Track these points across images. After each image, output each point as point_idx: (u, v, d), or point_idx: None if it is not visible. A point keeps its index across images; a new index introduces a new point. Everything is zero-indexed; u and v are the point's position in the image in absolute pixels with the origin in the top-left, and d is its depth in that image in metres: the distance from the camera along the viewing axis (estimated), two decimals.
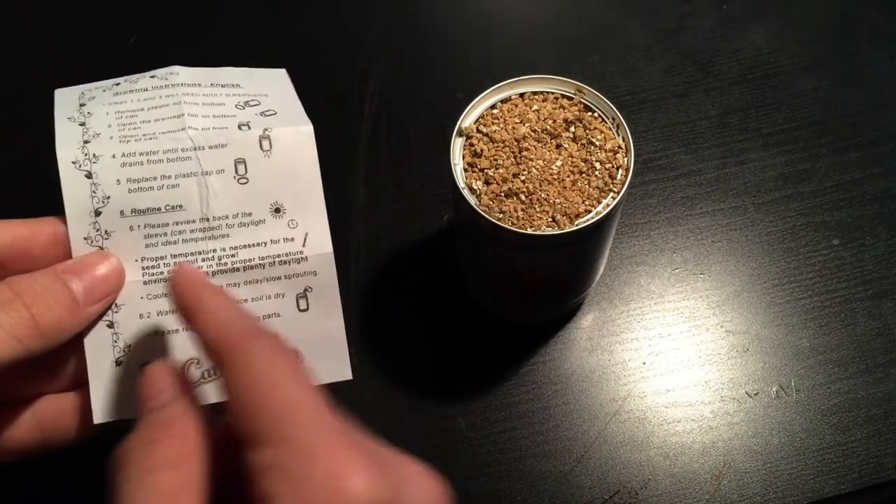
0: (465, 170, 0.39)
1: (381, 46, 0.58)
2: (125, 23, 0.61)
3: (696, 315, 0.48)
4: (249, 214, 0.33)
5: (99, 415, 0.31)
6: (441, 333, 0.48)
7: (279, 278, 0.33)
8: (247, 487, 0.25)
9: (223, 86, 0.35)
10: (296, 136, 0.33)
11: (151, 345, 0.31)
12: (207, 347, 0.27)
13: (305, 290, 0.33)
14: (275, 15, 0.61)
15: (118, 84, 0.35)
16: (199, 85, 0.34)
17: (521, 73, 0.41)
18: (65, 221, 0.31)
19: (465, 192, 0.38)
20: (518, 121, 0.40)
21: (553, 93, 0.41)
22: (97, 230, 0.31)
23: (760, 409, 0.45)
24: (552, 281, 0.43)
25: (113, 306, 0.31)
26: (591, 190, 0.38)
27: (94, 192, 0.31)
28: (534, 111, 0.40)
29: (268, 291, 0.33)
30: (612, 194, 0.38)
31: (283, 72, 0.37)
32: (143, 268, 0.32)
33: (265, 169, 0.32)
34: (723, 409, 0.45)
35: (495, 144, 0.39)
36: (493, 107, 0.41)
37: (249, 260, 0.32)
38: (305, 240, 0.33)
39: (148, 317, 0.32)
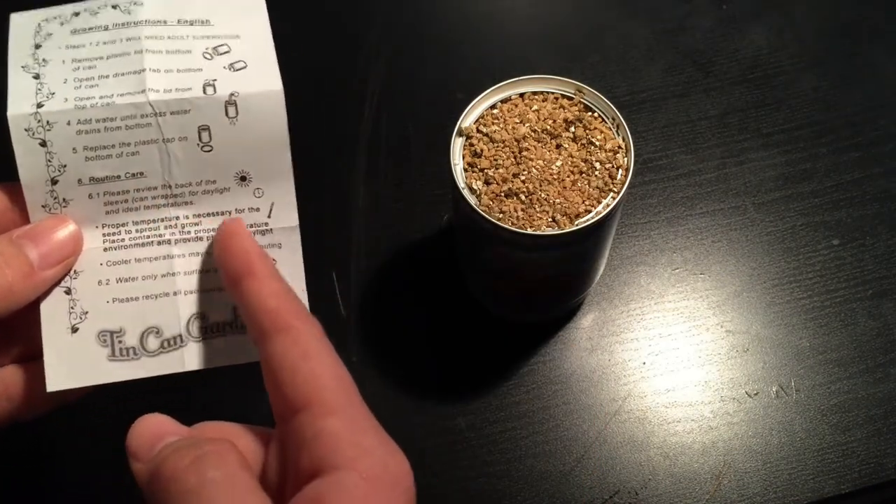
0: (465, 170, 0.39)
1: (381, 46, 0.58)
2: None
3: (696, 315, 0.48)
4: (214, 182, 0.31)
5: (53, 382, 0.30)
6: (441, 333, 0.48)
7: None
8: (294, 452, 0.26)
9: (191, 23, 0.32)
10: (264, 101, 0.31)
11: (109, 312, 0.30)
12: (260, 314, 0.28)
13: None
14: (274, 15, 0.61)
15: (77, 14, 0.32)
16: (165, 23, 0.32)
17: (521, 73, 0.41)
18: (21, 188, 0.30)
19: (465, 192, 0.38)
20: (518, 121, 0.40)
21: (553, 93, 0.41)
22: (55, 198, 0.30)
23: (760, 409, 0.45)
24: (552, 281, 0.43)
25: (71, 272, 0.30)
26: (591, 190, 0.38)
27: (49, 160, 0.30)
28: (534, 111, 0.40)
29: None
30: (612, 194, 0.38)
31: (260, 4, 0.34)
32: (103, 234, 0.31)
33: (231, 136, 0.31)
34: (723, 409, 0.45)
35: (495, 144, 0.39)
36: (493, 107, 0.41)
37: (213, 230, 0.31)
38: (271, 211, 0.32)
39: (107, 284, 0.30)
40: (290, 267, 0.32)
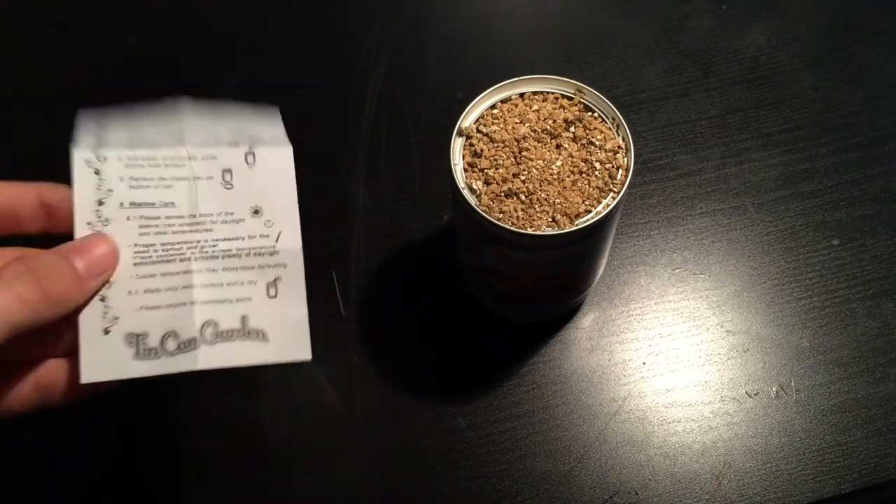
0: (465, 170, 0.39)
1: (381, 46, 0.58)
2: (125, 23, 0.61)
3: (696, 315, 0.48)
4: (232, 214, 0.37)
5: (86, 375, 0.34)
6: (441, 333, 0.48)
7: (253, 268, 0.37)
8: None
9: (221, 115, 0.39)
10: (277, 156, 0.38)
11: (136, 318, 0.35)
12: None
13: (275, 279, 0.37)
14: (275, 15, 0.61)
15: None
16: (201, 115, 0.39)
17: (521, 73, 0.41)
18: (52, 189, 0.36)
19: (465, 192, 0.39)
20: (518, 121, 0.40)
21: (553, 93, 0.41)
22: (99, 218, 0.35)
23: (760, 409, 0.45)
24: (552, 281, 0.43)
25: (105, 283, 0.35)
26: (591, 190, 0.38)
27: (99, 185, 0.36)
28: (534, 111, 0.40)
29: (242, 278, 0.36)
30: (612, 194, 0.38)
31: (275, 109, 0.41)
32: (134, 252, 0.36)
33: (248, 178, 0.37)
34: (723, 409, 0.45)
35: (495, 144, 0.39)
36: (493, 107, 0.41)
37: (228, 250, 0.36)
38: (279, 237, 0.37)
39: (136, 294, 0.35)
40: (294, 282, 0.37)
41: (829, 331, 0.47)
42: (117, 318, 0.35)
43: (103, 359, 0.34)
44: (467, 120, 0.40)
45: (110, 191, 0.36)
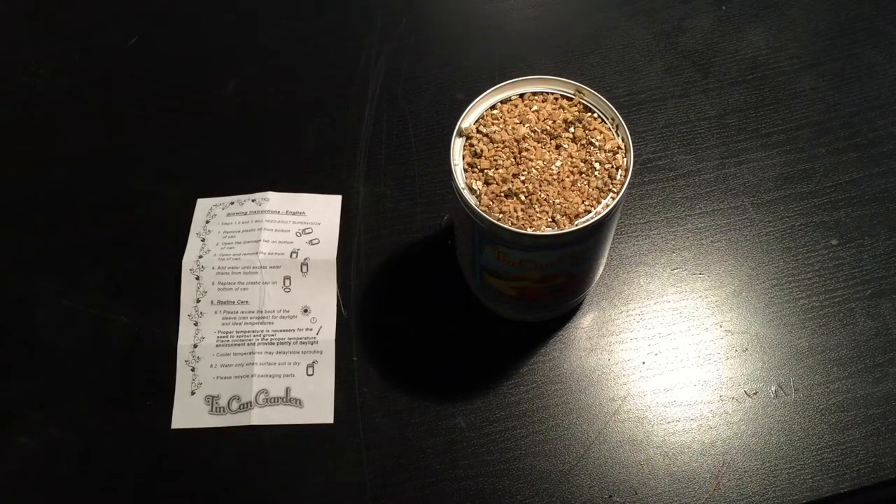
0: (465, 170, 0.39)
1: (381, 46, 0.59)
2: (125, 23, 0.61)
3: (696, 315, 0.48)
4: (287, 311, 0.49)
5: (176, 423, 0.46)
6: (441, 333, 0.48)
7: (298, 352, 0.47)
8: None
9: (294, 213, 0.51)
10: (324, 265, 0.50)
11: (213, 384, 0.47)
12: None
13: (313, 362, 0.47)
14: (275, 15, 0.61)
15: (232, 203, 0.52)
16: (279, 212, 0.51)
17: (521, 73, 0.41)
18: None
19: (465, 192, 0.39)
20: (518, 121, 0.40)
21: (553, 93, 0.41)
22: (196, 311, 0.48)
23: (759, 408, 0.45)
24: (552, 281, 0.43)
25: (195, 358, 0.47)
26: (590, 190, 0.38)
27: (198, 288, 0.49)
28: (533, 112, 0.40)
29: (289, 360, 0.47)
30: (611, 194, 0.38)
31: (338, 198, 0.52)
32: (217, 337, 0.48)
33: (302, 284, 0.49)
34: (722, 408, 0.45)
35: (495, 145, 0.40)
36: (493, 107, 0.41)
37: (282, 339, 0.48)
38: (319, 330, 0.48)
39: (215, 367, 0.47)
40: (326, 365, 0.47)
41: (827, 330, 0.47)
42: (201, 384, 0.47)
43: (188, 412, 0.46)
44: (467, 120, 0.40)
45: (205, 292, 0.49)
